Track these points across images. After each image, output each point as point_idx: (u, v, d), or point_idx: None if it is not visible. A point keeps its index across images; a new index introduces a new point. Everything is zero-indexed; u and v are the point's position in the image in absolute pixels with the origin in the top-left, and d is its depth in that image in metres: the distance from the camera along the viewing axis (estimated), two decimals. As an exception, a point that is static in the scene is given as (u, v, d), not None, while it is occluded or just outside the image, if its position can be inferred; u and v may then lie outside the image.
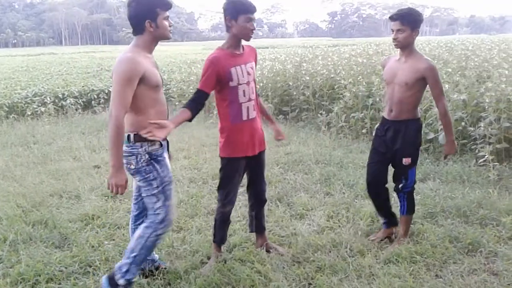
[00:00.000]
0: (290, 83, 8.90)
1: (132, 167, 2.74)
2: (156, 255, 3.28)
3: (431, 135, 5.92)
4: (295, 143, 6.89)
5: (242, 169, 3.32)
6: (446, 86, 6.34)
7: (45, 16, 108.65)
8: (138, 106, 2.66)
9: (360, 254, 3.46)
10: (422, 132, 4.01)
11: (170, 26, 2.72)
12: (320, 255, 3.43)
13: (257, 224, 3.57)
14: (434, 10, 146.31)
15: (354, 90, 7.42)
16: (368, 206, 4.28)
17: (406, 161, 3.47)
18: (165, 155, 2.88)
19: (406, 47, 3.34)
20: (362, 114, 7.11)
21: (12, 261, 3.43)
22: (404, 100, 3.39)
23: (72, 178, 5.50)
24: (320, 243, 3.62)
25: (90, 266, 3.36)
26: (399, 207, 3.63)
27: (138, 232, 2.85)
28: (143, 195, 2.86)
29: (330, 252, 3.49)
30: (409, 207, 3.59)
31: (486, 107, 5.57)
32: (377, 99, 7.06)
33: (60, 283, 3.15)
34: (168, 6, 2.68)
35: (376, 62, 9.58)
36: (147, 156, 2.74)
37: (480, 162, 5.18)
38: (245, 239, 3.70)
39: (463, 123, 5.80)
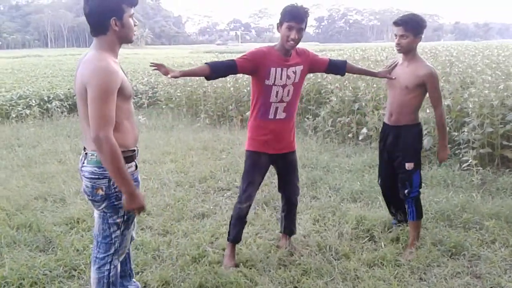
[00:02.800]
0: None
1: (101, 192, 2.35)
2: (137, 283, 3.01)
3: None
4: (282, 147, 6.91)
5: (263, 166, 3.38)
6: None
7: (30, 18, 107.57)
8: None
9: (345, 257, 3.49)
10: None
11: (135, 25, 2.38)
12: (306, 258, 3.45)
13: (286, 226, 3.65)
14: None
15: (340, 95, 7.48)
16: (353, 210, 4.32)
17: (408, 166, 3.50)
18: (139, 178, 2.56)
19: (408, 52, 3.41)
20: (349, 118, 7.17)
21: (-5, 265, 3.39)
22: (404, 104, 3.45)
23: (57, 181, 5.45)
24: (307, 246, 3.64)
25: (75, 270, 3.33)
26: (408, 213, 3.62)
27: (94, 275, 2.52)
28: (99, 219, 2.47)
29: (316, 255, 3.51)
30: (417, 212, 3.58)
31: (470, 113, 5.66)
32: (363, 104, 7.13)
33: (44, 287, 3.12)
34: (135, 3, 2.35)
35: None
36: None
37: (464, 167, 5.26)
38: (232, 242, 3.69)
39: (447, 128, 5.87)
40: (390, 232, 3.84)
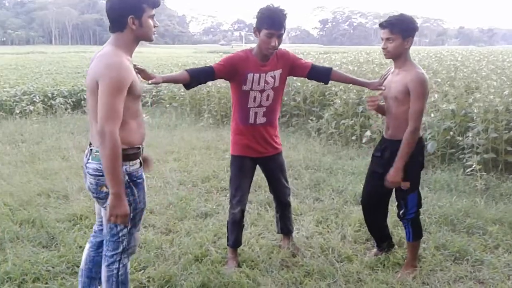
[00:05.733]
0: (281, 89, 8.92)
1: (105, 190, 2.34)
2: None
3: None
4: (285, 148, 6.89)
5: (249, 170, 3.34)
6: (436, 95, 6.44)
7: (35, 15, 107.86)
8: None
9: (348, 259, 3.48)
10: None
11: (155, 26, 2.40)
12: (309, 259, 3.45)
13: (282, 226, 3.65)
14: (424, 20, 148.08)
15: (344, 97, 7.48)
16: (356, 212, 4.31)
17: (404, 185, 3.09)
18: (144, 176, 2.54)
19: (397, 57, 3.01)
20: (352, 121, 7.16)
21: (-2, 260, 3.39)
22: (398, 117, 3.05)
23: (60, 177, 5.45)
24: (309, 248, 3.64)
25: (78, 267, 3.31)
26: (405, 233, 3.31)
27: (104, 274, 2.50)
28: (106, 217, 2.43)
29: (318, 257, 3.51)
30: (414, 233, 3.22)
31: (474, 117, 5.66)
32: (367, 107, 7.11)
33: (47, 283, 3.13)
34: (157, 4, 2.38)
35: (367, 70, 9.68)
36: (126, 177, 2.36)
37: (468, 172, 5.24)
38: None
39: (451, 133, 5.86)
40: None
